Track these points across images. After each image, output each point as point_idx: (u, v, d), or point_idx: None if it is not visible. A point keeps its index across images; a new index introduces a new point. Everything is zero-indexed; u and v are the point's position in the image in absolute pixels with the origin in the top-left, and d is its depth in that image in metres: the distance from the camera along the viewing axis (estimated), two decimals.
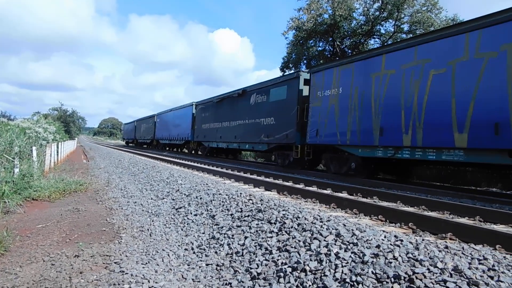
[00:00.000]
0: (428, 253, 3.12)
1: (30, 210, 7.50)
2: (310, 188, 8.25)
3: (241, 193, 6.49)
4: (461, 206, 5.97)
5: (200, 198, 6.88)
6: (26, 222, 6.42)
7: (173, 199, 7.51)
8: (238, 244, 4.35)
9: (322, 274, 3.09)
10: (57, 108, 68.23)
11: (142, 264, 4.17)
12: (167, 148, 36.45)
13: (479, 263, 3.02)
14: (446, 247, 3.43)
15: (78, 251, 4.69)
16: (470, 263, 3.01)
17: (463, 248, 3.47)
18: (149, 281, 3.59)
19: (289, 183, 9.34)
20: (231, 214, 5.44)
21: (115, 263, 4.22)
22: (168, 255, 4.46)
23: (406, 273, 2.78)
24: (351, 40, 26.49)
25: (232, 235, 4.65)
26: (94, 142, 78.82)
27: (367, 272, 2.91)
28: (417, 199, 6.63)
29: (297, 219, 4.46)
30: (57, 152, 17.95)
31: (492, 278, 2.72)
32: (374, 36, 26.13)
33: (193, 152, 27.61)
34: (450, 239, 4.04)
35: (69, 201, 8.55)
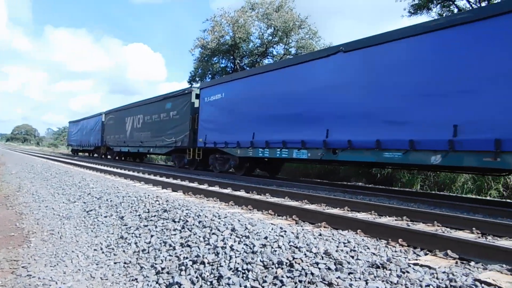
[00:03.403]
0: (306, 241, 3.33)
1: None
2: (212, 188, 8.28)
3: (148, 195, 6.31)
4: (334, 199, 6.43)
5: (111, 201, 6.54)
6: None
7: (85, 202, 7.04)
8: (145, 242, 4.22)
9: (219, 265, 3.14)
10: None
11: (50, 266, 3.86)
12: (79, 153, 35.46)
13: (344, 246, 3.29)
14: (320, 234, 3.69)
15: None
16: (337, 246, 3.27)
17: (333, 234, 3.75)
18: (56, 283, 3.34)
19: (194, 184, 9.28)
20: (139, 215, 5.26)
21: (22, 267, 3.85)
22: (78, 256, 4.18)
23: (287, 259, 2.94)
24: (249, 59, 27.23)
25: (140, 234, 4.50)
26: (8, 148, 70.55)
27: (256, 261, 3.02)
28: (301, 195, 6.99)
29: (198, 217, 4.46)
30: None
31: (353, 257, 2.98)
32: (268, 57, 27.16)
33: (102, 156, 27.58)
34: (324, 227, 4.34)
35: None
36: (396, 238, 3.66)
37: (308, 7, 52.46)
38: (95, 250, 4.40)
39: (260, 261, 3.01)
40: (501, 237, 4.22)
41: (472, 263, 3.06)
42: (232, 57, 26.58)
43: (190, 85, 27.04)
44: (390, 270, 2.72)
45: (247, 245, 3.35)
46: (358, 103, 8.44)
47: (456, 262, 3.10)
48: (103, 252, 4.27)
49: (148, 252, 3.95)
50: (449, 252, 3.20)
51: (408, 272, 2.69)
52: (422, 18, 15.65)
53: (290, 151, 10.25)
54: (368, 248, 3.30)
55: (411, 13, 15.74)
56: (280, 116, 10.63)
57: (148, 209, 5.42)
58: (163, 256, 3.69)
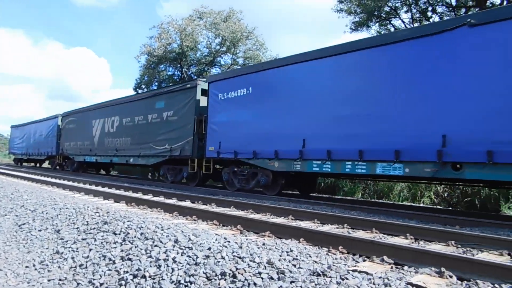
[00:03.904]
0: (249, 251, 3.32)
1: None
2: (157, 199, 8.06)
3: (88, 207, 6.00)
4: (279, 208, 6.50)
5: (46, 213, 6.14)
6: None
7: (17, 215, 6.54)
8: (83, 256, 3.99)
9: (160, 278, 3.04)
10: None
11: None
12: (24, 163, 30.10)
13: (287, 255, 3.33)
14: (264, 244, 3.70)
15: None
16: (280, 255, 3.29)
17: (276, 243, 3.78)
18: None
19: (138, 194, 8.97)
20: (77, 228, 4.98)
21: None
22: (6, 274, 3.86)
23: (230, 269, 2.91)
24: (197, 68, 27.07)
25: (77, 248, 4.25)
26: None
27: (199, 273, 2.96)
28: (246, 204, 7.00)
29: (140, 229, 4.31)
30: None
31: (295, 266, 3.02)
32: (216, 66, 27.17)
33: (57, 167, 23.01)
34: (268, 236, 4.36)
35: None
36: (337, 246, 3.76)
37: (255, 20, 53.30)
38: (26, 267, 4.09)
39: (203, 273, 2.95)
40: (431, 242, 4.48)
41: (406, 267, 3.21)
42: (179, 65, 26.30)
43: (135, 93, 26.08)
44: (330, 277, 2.78)
45: (190, 256, 3.28)
46: None
47: (392, 267, 3.24)
48: (35, 269, 3.98)
49: (86, 267, 3.74)
50: (385, 257, 3.34)
51: (347, 278, 2.76)
52: (363, 34, 16.49)
53: (371, 165, 7.67)
54: (310, 256, 3.36)
55: (352, 29, 16.51)
56: (357, 116, 7.92)
57: (87, 222, 5.15)
58: (102, 271, 3.51)
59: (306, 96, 8.90)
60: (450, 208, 10.28)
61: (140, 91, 26.04)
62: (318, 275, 2.83)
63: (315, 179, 11.60)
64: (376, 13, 15.59)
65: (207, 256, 3.22)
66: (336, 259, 3.43)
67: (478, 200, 10.15)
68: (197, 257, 3.21)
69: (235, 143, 10.36)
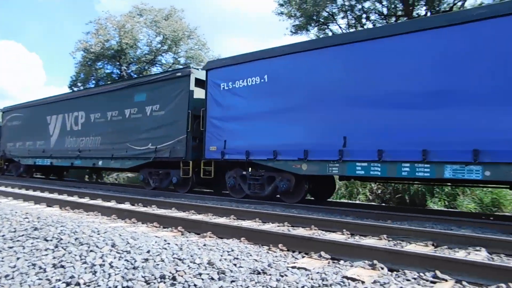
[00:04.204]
0: (190, 252, 3.28)
1: None
2: (94, 202, 7.70)
3: (16, 212, 5.58)
4: (221, 208, 6.49)
5: None
6: None
7: None
8: (9, 266, 3.70)
9: (96, 285, 2.90)
10: None
11: None
12: None
13: (228, 255, 3.33)
14: (205, 244, 3.67)
15: None
16: (221, 256, 3.29)
17: (217, 243, 3.77)
18: None
19: (73, 198, 8.51)
20: (3, 236, 4.61)
21: None
22: None
23: (170, 272, 2.85)
24: (137, 66, 26.23)
25: (2, 258, 3.93)
26: None
27: (138, 277, 2.86)
28: (188, 205, 6.91)
29: (74, 234, 4.08)
30: None
31: (235, 265, 3.03)
32: (157, 65, 26.52)
33: None
34: (210, 237, 4.34)
35: None
36: (277, 244, 3.84)
37: (196, 20, 52.82)
38: None
39: (142, 276, 2.86)
40: (366, 236, 4.72)
41: (342, 262, 3.35)
42: (118, 63, 25.33)
43: (71, 90, 24.60)
44: (270, 275, 2.83)
45: (128, 260, 3.17)
46: None
47: (329, 262, 3.37)
48: None
49: (13, 278, 3.46)
50: (322, 253, 3.46)
51: (286, 275, 2.82)
52: (302, 37, 16.96)
53: (437, 168, 6.33)
54: (251, 255, 3.39)
55: (292, 32, 16.93)
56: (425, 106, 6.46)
57: (14, 228, 4.78)
58: (31, 281, 3.27)
59: (351, 85, 7.38)
60: (383, 204, 10.91)
61: (76, 89, 24.68)
62: (258, 273, 2.86)
63: (334, 182, 10.04)
64: (314, 17, 16.10)
65: (146, 260, 3.13)
66: (276, 256, 3.49)
67: (408, 196, 10.86)
68: (135, 261, 3.11)
69: (247, 142, 8.72)
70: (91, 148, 13.15)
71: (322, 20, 16.56)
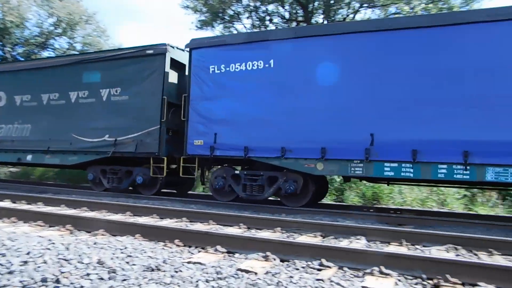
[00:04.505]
0: (77, 251, 3.06)
1: None
2: None
3: None
4: (117, 205, 6.19)
5: None
6: None
7: None
8: None
9: None
10: None
11: None
12: None
13: (121, 252, 3.18)
14: (95, 243, 3.45)
15: None
16: (113, 254, 3.13)
17: (110, 241, 3.57)
18: None
19: None
20: None
21: None
22: None
23: (54, 274, 2.62)
24: (24, 49, 23.50)
25: None
26: None
27: (14, 282, 2.57)
28: (80, 202, 6.43)
29: None
30: None
31: (128, 263, 2.91)
32: (48, 49, 24.07)
33: None
34: (102, 235, 4.09)
35: None
36: (174, 239, 3.78)
37: (97, 4, 49.26)
38: None
39: (19, 281, 2.58)
40: (261, 230, 4.90)
41: (237, 255, 3.44)
42: (1, 44, 22.43)
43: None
44: (164, 271, 2.77)
45: (2, 265, 2.83)
46: None
47: (224, 256, 3.42)
48: None
49: None
50: (218, 247, 3.51)
51: (181, 271, 2.80)
52: (207, 33, 16.88)
53: (478, 170, 5.91)
54: (145, 251, 3.28)
55: (197, 27, 16.79)
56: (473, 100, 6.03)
57: None
58: None
59: (381, 74, 6.62)
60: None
61: None
62: (152, 270, 2.79)
63: (327, 183, 9.24)
64: (220, 14, 16.17)
65: (25, 262, 2.83)
66: (172, 252, 3.44)
67: None
68: (12, 264, 2.79)
69: (245, 136, 7.53)
70: (15, 138, 10.66)
71: (228, 18, 16.70)
